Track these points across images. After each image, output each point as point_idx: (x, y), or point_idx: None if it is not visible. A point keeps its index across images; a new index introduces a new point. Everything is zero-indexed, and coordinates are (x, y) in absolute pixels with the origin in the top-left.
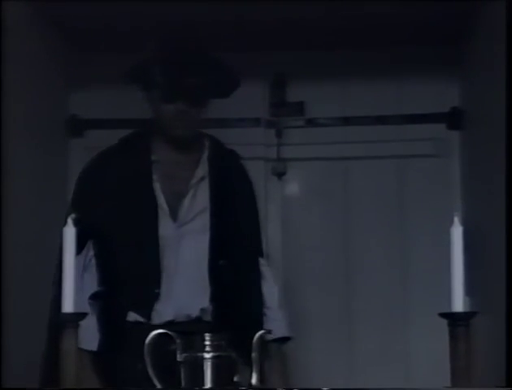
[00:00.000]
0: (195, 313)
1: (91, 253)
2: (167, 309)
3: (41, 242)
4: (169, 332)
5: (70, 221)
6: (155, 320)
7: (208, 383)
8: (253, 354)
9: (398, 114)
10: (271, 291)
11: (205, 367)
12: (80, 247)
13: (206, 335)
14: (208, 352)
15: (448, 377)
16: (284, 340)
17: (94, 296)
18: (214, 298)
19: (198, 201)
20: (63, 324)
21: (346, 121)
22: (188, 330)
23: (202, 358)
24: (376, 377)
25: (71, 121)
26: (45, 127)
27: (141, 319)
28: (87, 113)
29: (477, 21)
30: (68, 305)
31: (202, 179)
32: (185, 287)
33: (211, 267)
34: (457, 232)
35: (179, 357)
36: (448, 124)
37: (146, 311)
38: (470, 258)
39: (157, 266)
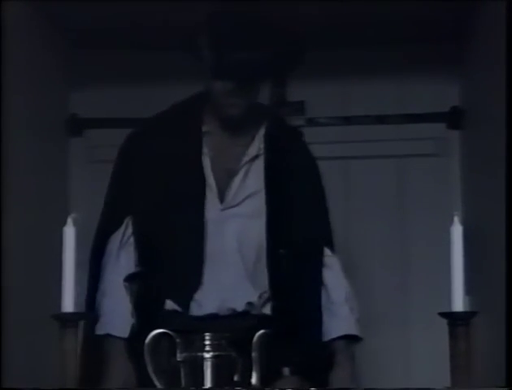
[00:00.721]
0: (241, 307)
1: (129, 230)
2: (209, 300)
3: (41, 241)
4: (169, 332)
5: (70, 220)
6: (194, 311)
7: (208, 383)
8: (254, 354)
9: (398, 113)
10: (337, 283)
11: (205, 367)
12: (117, 223)
13: (206, 334)
14: (208, 351)
15: (448, 376)
16: (352, 338)
17: (130, 278)
18: (272, 291)
19: (249, 182)
20: (64, 324)
21: (346, 120)
22: (233, 325)
23: (202, 358)
24: (376, 376)
25: (71, 120)
26: (45, 126)
27: (178, 309)
28: (87, 112)
29: (477, 20)
30: (68, 305)
31: (256, 157)
32: (231, 277)
33: (269, 257)
34: (457, 232)
35: (179, 357)
36: (448, 124)
37: (185, 301)
38: (470, 258)
39: (200, 252)
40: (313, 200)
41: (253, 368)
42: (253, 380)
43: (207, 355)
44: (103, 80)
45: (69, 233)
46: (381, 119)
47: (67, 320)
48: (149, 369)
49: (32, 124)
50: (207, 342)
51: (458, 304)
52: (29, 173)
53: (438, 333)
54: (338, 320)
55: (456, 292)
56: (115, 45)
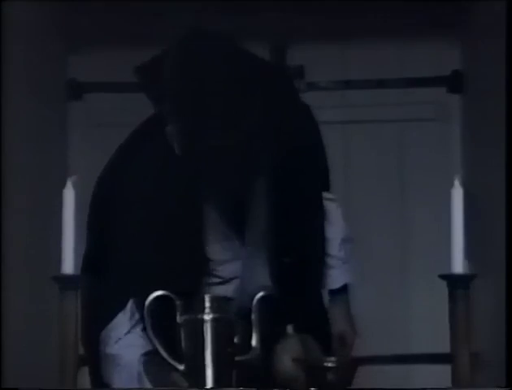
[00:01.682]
0: None
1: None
2: None
3: (41, 204)
4: (169, 294)
5: (69, 183)
6: None
7: (208, 346)
8: (253, 315)
9: (398, 77)
10: (335, 232)
11: (205, 329)
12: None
13: (206, 296)
14: (208, 313)
15: (447, 339)
16: (344, 288)
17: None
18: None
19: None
20: (64, 286)
21: (346, 85)
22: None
23: (202, 320)
24: (375, 340)
25: (71, 84)
26: (44, 90)
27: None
28: (86, 76)
29: None
30: (68, 267)
31: None
32: None
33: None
34: (457, 194)
35: (178, 319)
36: (448, 88)
37: None
38: (470, 221)
39: None
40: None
41: (253, 330)
42: (253, 342)
43: (207, 317)
44: (102, 43)
45: (68, 195)
46: (381, 84)
47: (66, 282)
48: (149, 330)
49: (31, 88)
50: (207, 304)
51: (458, 266)
52: (29, 137)
53: (437, 296)
54: (336, 270)
55: (456, 255)
56: (114, 8)
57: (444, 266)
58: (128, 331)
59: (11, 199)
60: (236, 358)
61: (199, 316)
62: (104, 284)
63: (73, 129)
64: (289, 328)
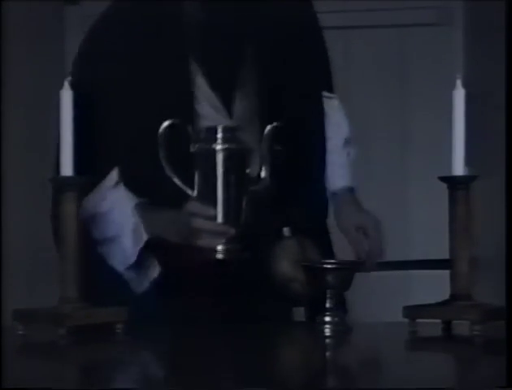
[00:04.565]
0: None
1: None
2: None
3: (40, 105)
4: (182, 122)
5: (66, 84)
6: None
7: (220, 175)
8: (263, 145)
9: None
10: (336, 129)
11: (217, 159)
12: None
13: (219, 126)
14: (220, 144)
15: (447, 240)
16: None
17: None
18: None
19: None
20: (64, 188)
21: None
22: None
23: (215, 150)
24: None
25: None
26: None
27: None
28: None
29: None
30: (67, 169)
31: None
32: None
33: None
34: (459, 95)
35: (192, 148)
36: None
37: None
38: (471, 125)
39: None
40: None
41: (263, 162)
42: (263, 174)
43: (220, 147)
44: None
45: (66, 96)
46: None
47: (65, 184)
48: (161, 155)
49: None
50: (220, 135)
51: (459, 168)
52: (26, 40)
53: (438, 198)
54: (338, 169)
55: (457, 157)
56: None
57: (446, 169)
58: (113, 189)
59: (11, 102)
60: (247, 188)
61: (212, 146)
62: (88, 151)
63: (69, 33)
64: (286, 231)
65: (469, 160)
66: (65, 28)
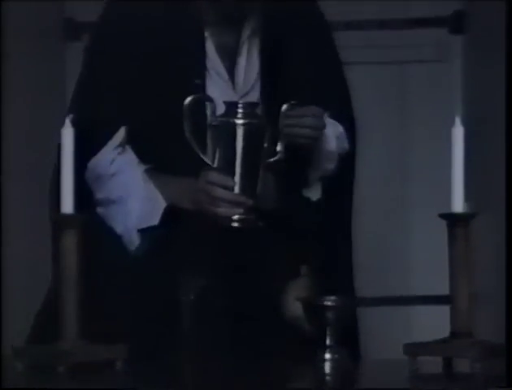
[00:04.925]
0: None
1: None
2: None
3: (40, 144)
4: (204, 97)
5: (68, 122)
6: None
7: (239, 148)
8: (280, 121)
9: (400, 18)
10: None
11: (237, 133)
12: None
13: (240, 102)
14: (240, 118)
15: (447, 279)
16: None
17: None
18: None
19: (254, 62)
20: (63, 225)
21: (348, 25)
22: None
23: (235, 124)
24: (375, 281)
25: (68, 24)
26: (41, 30)
27: None
28: (84, 16)
29: None
30: (68, 206)
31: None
32: None
33: None
34: (458, 133)
35: (213, 122)
36: (450, 28)
37: None
38: (470, 161)
39: None
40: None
41: (280, 137)
42: (278, 147)
43: (239, 121)
44: None
45: (67, 134)
46: (382, 24)
47: (65, 222)
48: (187, 130)
49: (28, 28)
50: (240, 109)
51: (458, 205)
52: (27, 77)
53: (437, 235)
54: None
55: (456, 194)
56: None
57: (445, 204)
58: (122, 152)
59: (11, 140)
60: (264, 161)
61: (231, 120)
62: (95, 112)
63: (71, 69)
64: (304, 269)
65: (469, 195)
66: (66, 64)
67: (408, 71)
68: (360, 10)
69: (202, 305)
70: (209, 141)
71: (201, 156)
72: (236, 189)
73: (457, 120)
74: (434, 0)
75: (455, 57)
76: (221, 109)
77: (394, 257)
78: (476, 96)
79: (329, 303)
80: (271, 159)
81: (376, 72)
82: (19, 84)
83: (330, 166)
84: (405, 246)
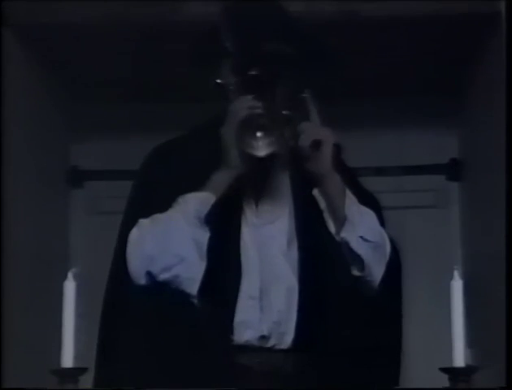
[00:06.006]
0: None
1: None
2: None
3: (42, 295)
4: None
5: (70, 275)
6: None
7: None
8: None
9: (397, 165)
10: None
11: None
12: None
13: None
14: None
15: None
16: None
17: None
18: None
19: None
20: (63, 379)
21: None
22: None
23: None
24: None
25: (72, 172)
26: (46, 178)
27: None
28: (88, 164)
29: (476, 72)
30: (68, 360)
31: None
32: None
33: None
34: (457, 286)
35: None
36: (447, 175)
37: None
38: (470, 312)
39: None
40: None
41: None
42: None
43: None
44: (104, 132)
45: (69, 288)
46: (380, 171)
47: (66, 375)
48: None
49: (33, 176)
50: None
51: (459, 359)
52: (30, 225)
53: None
54: None
55: (457, 348)
56: (115, 97)
57: (446, 358)
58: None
59: (13, 289)
60: None
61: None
62: None
63: (75, 217)
64: None
65: (470, 345)
66: (69, 211)
67: (406, 217)
68: (359, 157)
69: None
70: None
71: None
72: None
73: (456, 273)
74: (431, 148)
75: (453, 203)
76: None
77: None
78: (474, 243)
79: None
80: None
81: None
82: (22, 231)
83: None
84: None
